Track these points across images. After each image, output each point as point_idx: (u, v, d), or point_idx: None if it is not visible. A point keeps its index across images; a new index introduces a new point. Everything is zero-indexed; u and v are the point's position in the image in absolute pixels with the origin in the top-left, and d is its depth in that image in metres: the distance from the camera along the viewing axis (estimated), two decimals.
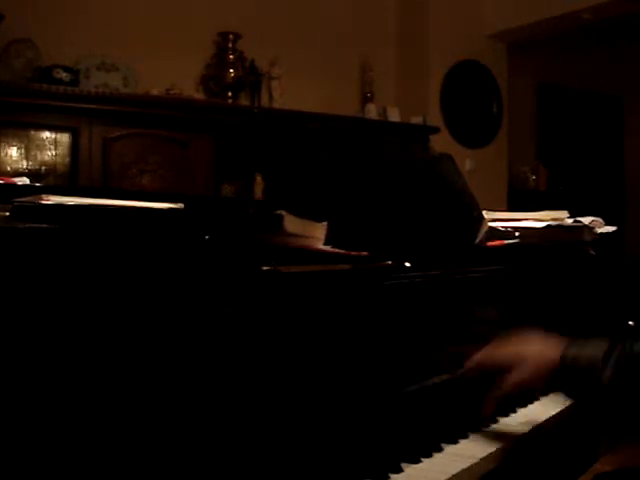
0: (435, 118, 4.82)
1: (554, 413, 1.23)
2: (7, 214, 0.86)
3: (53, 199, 0.91)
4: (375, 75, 4.81)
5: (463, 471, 0.96)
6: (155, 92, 3.81)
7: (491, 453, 1.03)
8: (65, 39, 3.70)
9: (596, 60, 6.09)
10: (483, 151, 5.09)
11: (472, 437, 1.09)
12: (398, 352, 1.14)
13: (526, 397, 1.29)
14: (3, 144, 3.38)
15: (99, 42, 3.78)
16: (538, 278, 1.58)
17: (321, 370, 0.99)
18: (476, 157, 4.96)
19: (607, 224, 1.76)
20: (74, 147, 3.50)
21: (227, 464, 0.82)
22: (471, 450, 1.03)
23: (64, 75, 3.54)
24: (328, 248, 1.07)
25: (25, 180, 1.37)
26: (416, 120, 4.71)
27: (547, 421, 1.20)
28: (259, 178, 3.79)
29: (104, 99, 3.56)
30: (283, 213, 1.00)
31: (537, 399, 1.31)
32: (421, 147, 4.06)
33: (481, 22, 5.00)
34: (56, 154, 3.49)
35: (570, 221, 1.68)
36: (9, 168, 3.36)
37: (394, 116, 4.71)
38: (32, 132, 3.44)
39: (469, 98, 5.05)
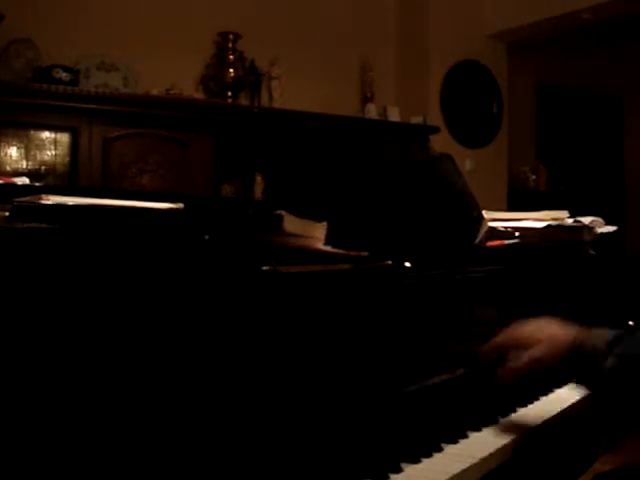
0: (435, 118, 4.82)
1: (554, 414, 1.23)
2: (7, 214, 0.86)
3: (53, 199, 0.90)
4: (375, 75, 4.81)
5: (463, 471, 0.96)
6: (155, 92, 3.81)
7: (491, 453, 1.03)
8: (65, 39, 3.70)
9: (596, 60, 6.09)
10: (483, 151, 5.09)
11: (472, 437, 1.09)
12: (398, 352, 1.14)
13: (527, 395, 1.29)
14: (3, 144, 3.38)
15: (99, 42, 3.78)
16: (538, 278, 1.58)
17: (321, 370, 0.99)
18: (476, 157, 4.96)
19: (607, 224, 1.76)
20: (74, 147, 3.50)
21: (227, 464, 0.82)
22: (471, 450, 1.03)
23: (64, 75, 3.54)
24: (328, 248, 1.07)
25: (25, 180, 1.37)
26: (416, 120, 4.71)
27: (547, 422, 1.20)
28: (259, 178, 3.79)
29: (104, 99, 3.56)
30: (283, 213, 1.00)
31: (537, 399, 1.31)
32: (421, 147, 4.06)
33: (481, 22, 5.00)
34: (56, 154, 3.49)
35: (570, 221, 1.68)
36: (9, 168, 3.36)
37: (394, 116, 4.71)
38: (32, 132, 3.44)
39: (469, 98, 5.05)
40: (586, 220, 1.67)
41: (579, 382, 1.15)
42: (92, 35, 3.79)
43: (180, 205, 1.06)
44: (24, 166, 3.41)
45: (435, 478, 0.93)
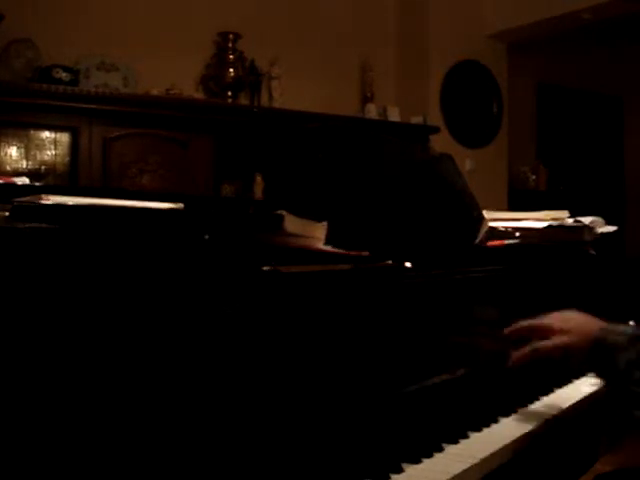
0: (435, 118, 4.82)
1: (555, 414, 1.23)
2: (7, 214, 0.86)
3: (53, 199, 0.90)
4: (375, 75, 4.81)
5: (464, 471, 0.96)
6: (155, 92, 3.81)
7: (492, 453, 1.03)
8: (65, 39, 3.70)
9: (596, 60, 6.09)
10: (483, 151, 5.09)
11: (473, 437, 1.09)
12: (398, 352, 1.14)
13: (527, 396, 1.29)
14: (3, 144, 3.38)
15: (99, 42, 3.78)
16: (538, 278, 1.58)
17: (321, 370, 0.99)
18: (476, 157, 4.96)
19: (607, 224, 1.76)
20: (74, 147, 3.50)
21: (227, 464, 0.82)
22: (472, 450, 1.03)
23: (64, 75, 3.54)
24: (328, 248, 1.07)
25: (25, 180, 1.37)
26: (416, 120, 4.71)
27: (548, 422, 1.20)
28: (259, 178, 3.79)
29: (104, 99, 3.56)
30: (283, 213, 1.00)
31: (537, 399, 1.31)
32: (421, 147, 4.06)
33: (481, 22, 5.00)
34: (56, 154, 3.49)
35: (570, 221, 1.68)
36: (9, 168, 3.36)
37: (394, 116, 4.71)
38: (32, 132, 3.44)
39: (469, 98, 5.05)
40: (586, 220, 1.67)
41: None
42: (92, 35, 3.79)
43: (180, 205, 1.06)
44: (24, 166, 3.41)
45: (436, 478, 0.92)
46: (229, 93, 4.17)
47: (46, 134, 3.47)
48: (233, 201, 3.32)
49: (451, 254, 1.36)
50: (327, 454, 0.93)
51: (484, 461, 1.01)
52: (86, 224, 0.87)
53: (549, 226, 1.61)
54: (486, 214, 1.54)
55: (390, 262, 1.18)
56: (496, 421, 1.17)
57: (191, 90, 4.11)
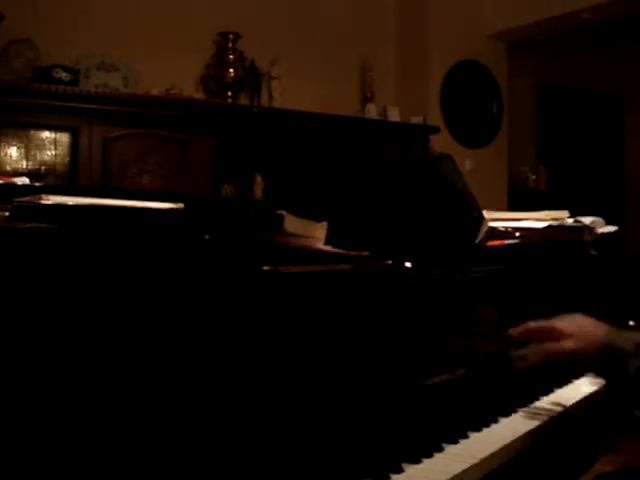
0: (435, 118, 4.82)
1: (555, 414, 1.23)
2: (7, 214, 0.86)
3: (53, 199, 0.90)
4: (375, 75, 4.81)
5: (464, 471, 0.96)
6: (155, 92, 3.80)
7: (492, 453, 1.03)
8: (65, 39, 3.70)
9: (596, 60, 6.09)
10: (483, 151, 5.09)
11: (473, 437, 1.09)
12: (398, 352, 1.14)
13: (527, 396, 1.29)
14: (3, 144, 3.38)
15: (99, 42, 3.78)
16: (538, 278, 1.58)
17: (321, 370, 0.99)
18: (476, 157, 4.96)
19: (607, 224, 1.76)
20: (74, 147, 3.50)
21: (227, 464, 0.82)
22: (472, 450, 1.03)
23: (64, 75, 3.54)
24: (328, 248, 1.07)
25: (25, 180, 1.37)
26: (416, 120, 4.71)
27: (548, 422, 1.20)
28: (259, 178, 3.79)
29: (104, 99, 3.56)
30: (284, 213, 1.00)
31: (537, 399, 1.31)
32: (421, 147, 4.06)
33: (481, 22, 5.00)
34: (56, 154, 3.49)
35: (570, 221, 1.68)
36: (9, 168, 3.36)
37: (394, 116, 4.71)
38: (32, 132, 3.44)
39: (469, 98, 5.05)
40: (586, 220, 1.67)
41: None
42: (92, 35, 3.79)
43: (180, 205, 1.06)
44: (24, 166, 3.41)
45: (436, 478, 0.93)
46: (229, 93, 4.17)
47: (46, 134, 3.47)
48: (233, 201, 3.32)
49: (451, 254, 1.36)
50: (327, 454, 0.93)
51: (484, 461, 1.01)
52: (86, 224, 0.87)
53: (549, 226, 1.61)
54: (486, 214, 1.54)
55: (390, 262, 1.18)
56: (496, 421, 1.17)
57: (191, 90, 4.11)
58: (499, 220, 1.63)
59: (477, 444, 1.06)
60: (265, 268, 0.93)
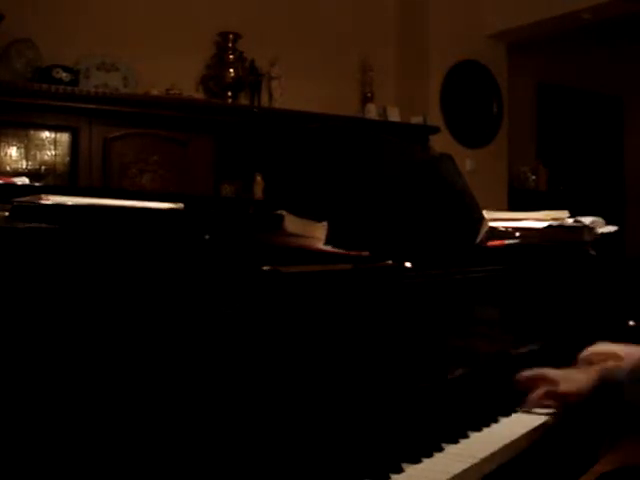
0: (435, 118, 4.82)
1: (556, 414, 1.23)
2: (7, 214, 0.86)
3: (53, 199, 0.90)
4: (375, 75, 4.81)
5: (464, 471, 0.96)
6: (155, 92, 3.80)
7: (492, 453, 1.03)
8: (65, 39, 3.70)
9: (596, 60, 6.09)
10: (483, 151, 5.09)
11: (473, 437, 1.09)
12: (398, 352, 1.14)
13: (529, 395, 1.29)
14: (3, 144, 3.38)
15: (99, 42, 3.78)
16: (538, 278, 1.58)
17: (321, 370, 0.99)
18: (476, 157, 4.96)
19: (607, 224, 1.76)
20: (74, 147, 3.50)
21: (227, 464, 0.82)
22: (472, 450, 1.03)
23: (64, 75, 3.54)
24: (328, 248, 1.07)
25: (25, 180, 1.37)
26: (416, 120, 4.71)
27: (549, 421, 1.20)
28: (259, 178, 3.79)
29: (104, 99, 3.56)
30: (283, 213, 1.00)
31: None
32: (421, 147, 4.06)
33: (481, 22, 5.00)
34: (56, 154, 3.49)
35: (570, 221, 1.67)
36: (9, 168, 3.36)
37: (394, 116, 4.71)
38: (32, 132, 3.44)
39: (469, 98, 5.05)
40: (586, 220, 1.67)
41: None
42: (92, 35, 3.79)
43: (180, 205, 1.06)
44: (24, 166, 3.41)
45: (436, 478, 0.92)
46: (229, 93, 4.17)
47: (46, 134, 3.47)
48: (233, 201, 3.33)
49: (451, 254, 1.35)
50: (327, 454, 0.93)
51: (484, 461, 1.01)
52: (86, 224, 0.87)
53: (549, 226, 1.61)
54: (486, 214, 1.54)
55: (390, 262, 1.17)
56: (496, 421, 1.17)
57: (191, 90, 4.11)
58: (499, 220, 1.63)
59: (477, 444, 1.06)
60: (265, 268, 0.93)
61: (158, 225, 0.95)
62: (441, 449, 1.02)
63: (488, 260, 1.44)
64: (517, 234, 1.58)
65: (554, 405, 1.22)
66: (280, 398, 0.92)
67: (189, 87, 4.10)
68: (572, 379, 1.22)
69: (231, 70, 4.15)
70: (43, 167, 3.46)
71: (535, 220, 1.64)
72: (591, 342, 1.37)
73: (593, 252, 1.71)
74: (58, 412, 0.69)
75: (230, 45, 4.17)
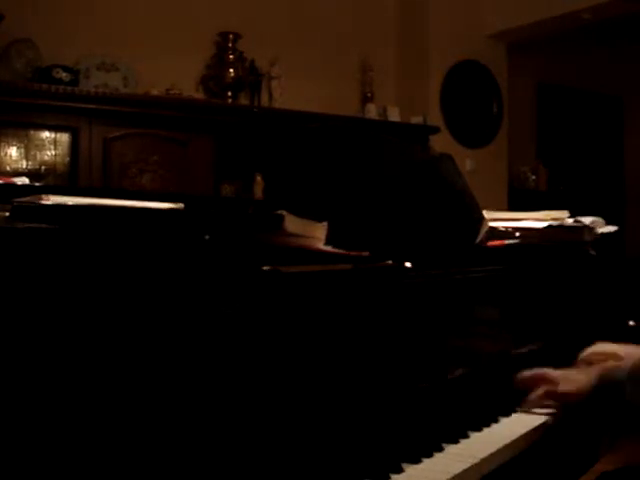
0: (435, 118, 4.82)
1: (556, 414, 1.23)
2: (7, 214, 0.86)
3: (53, 199, 0.90)
4: (375, 75, 4.81)
5: (464, 471, 0.95)
6: (155, 92, 3.81)
7: (492, 453, 1.03)
8: (65, 39, 3.70)
9: (596, 60, 6.09)
10: (483, 151, 5.09)
11: (473, 437, 1.09)
12: (398, 352, 1.14)
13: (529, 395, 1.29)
14: (3, 144, 3.38)
15: (99, 42, 3.78)
16: (538, 278, 1.58)
17: (321, 370, 0.99)
18: (476, 157, 4.96)
19: (607, 224, 1.76)
20: (74, 147, 3.50)
21: (227, 464, 0.82)
22: (472, 450, 1.03)
23: (64, 75, 3.54)
24: (329, 248, 1.07)
25: (25, 180, 1.37)
26: (416, 120, 4.71)
27: (548, 421, 1.20)
28: (259, 178, 3.79)
29: (104, 99, 3.56)
30: (283, 213, 1.00)
31: None
32: (421, 147, 4.06)
33: (481, 22, 5.00)
34: (56, 154, 3.49)
35: (570, 221, 1.67)
36: (9, 168, 3.36)
37: (394, 116, 4.71)
38: (32, 132, 3.44)
39: (469, 98, 5.05)
40: (586, 220, 1.67)
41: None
42: (92, 35, 3.79)
43: (180, 205, 1.06)
44: (24, 166, 3.41)
45: (436, 478, 0.92)
46: (229, 93, 4.17)
47: (46, 134, 3.47)
48: (233, 201, 3.32)
49: (451, 254, 1.36)
50: (327, 454, 0.93)
51: (484, 461, 1.01)
52: (86, 224, 0.87)
53: (549, 226, 1.61)
54: (486, 214, 1.54)
55: (390, 262, 1.17)
56: (496, 421, 1.17)
57: (191, 90, 4.11)
58: (499, 220, 1.63)
59: (477, 444, 1.06)
60: (265, 268, 0.93)
61: (158, 225, 0.95)
62: (441, 449, 1.02)
63: (488, 260, 1.44)
64: (517, 234, 1.58)
65: (554, 405, 1.22)
66: (280, 398, 0.92)
67: (189, 87, 4.10)
68: (572, 379, 1.22)
69: (231, 70, 4.15)
70: (43, 167, 3.46)
71: (535, 220, 1.64)
72: (591, 342, 1.37)
73: (593, 252, 1.71)
74: (58, 412, 0.69)
75: (230, 45, 4.17)
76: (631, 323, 1.71)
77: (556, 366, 1.28)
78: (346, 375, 1.03)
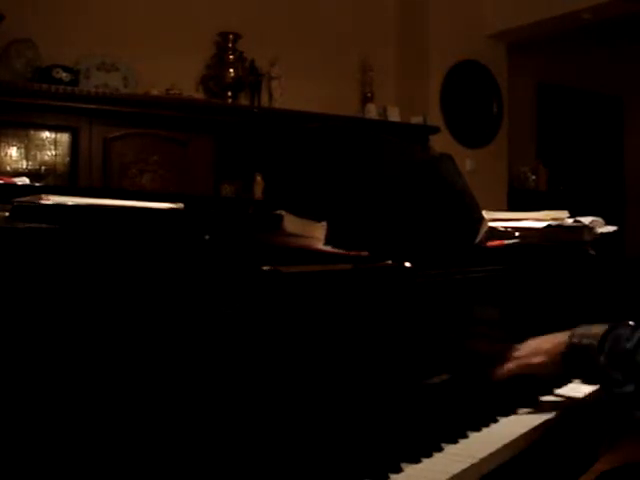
0: (435, 118, 4.82)
1: (555, 413, 1.23)
2: (7, 214, 0.86)
3: (53, 199, 0.90)
4: (375, 75, 4.81)
5: (463, 471, 0.96)
6: (155, 92, 3.81)
7: (491, 453, 1.03)
8: (65, 39, 3.70)
9: (596, 60, 6.10)
10: (483, 151, 5.09)
11: (472, 437, 1.09)
12: (398, 352, 1.14)
13: (527, 396, 1.29)
14: (3, 144, 3.38)
15: (99, 42, 3.78)
16: (538, 278, 1.58)
17: (321, 370, 0.99)
18: (476, 157, 4.96)
19: (607, 224, 1.76)
20: (74, 147, 3.50)
21: (227, 464, 0.82)
22: (471, 450, 1.03)
23: (64, 75, 3.54)
24: (328, 248, 1.07)
25: (25, 180, 1.37)
26: (416, 120, 4.71)
27: (548, 421, 1.20)
28: (259, 178, 3.79)
29: (104, 99, 3.56)
30: (283, 213, 1.00)
31: (537, 399, 1.31)
32: (421, 147, 4.06)
33: (481, 22, 5.00)
34: (56, 154, 3.49)
35: (570, 221, 1.67)
36: (9, 168, 3.36)
37: (394, 116, 4.71)
38: (32, 132, 3.44)
39: (469, 98, 5.05)
40: (586, 220, 1.67)
41: (583, 380, 1.21)
42: (92, 35, 3.79)
43: (180, 205, 1.06)
44: (24, 166, 3.42)
45: (435, 478, 0.93)
46: (229, 93, 4.17)
47: (46, 134, 3.47)
48: (233, 201, 3.32)
49: (451, 254, 1.36)
50: (327, 454, 0.93)
51: (483, 461, 1.01)
52: (86, 224, 0.87)
53: (549, 226, 1.61)
54: (486, 214, 1.54)
55: (390, 262, 1.18)
56: (496, 421, 1.17)
57: (191, 90, 4.11)
58: (499, 220, 1.63)
59: (477, 444, 1.06)
60: (265, 268, 0.94)
61: (158, 225, 0.95)
62: (440, 449, 1.02)
63: (488, 260, 1.44)
64: (517, 234, 1.58)
65: (526, 372, 1.24)
66: (280, 398, 0.92)
67: (189, 87, 4.10)
68: (540, 348, 1.24)
69: (231, 70, 4.15)
70: (43, 167, 3.46)
71: (535, 220, 1.64)
72: None
73: (593, 252, 1.71)
74: (58, 412, 0.69)
75: (230, 45, 4.17)
76: (631, 323, 1.71)
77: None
78: (346, 375, 1.03)
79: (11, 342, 0.67)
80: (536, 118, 6.02)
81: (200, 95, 4.18)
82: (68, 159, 3.51)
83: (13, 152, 3.41)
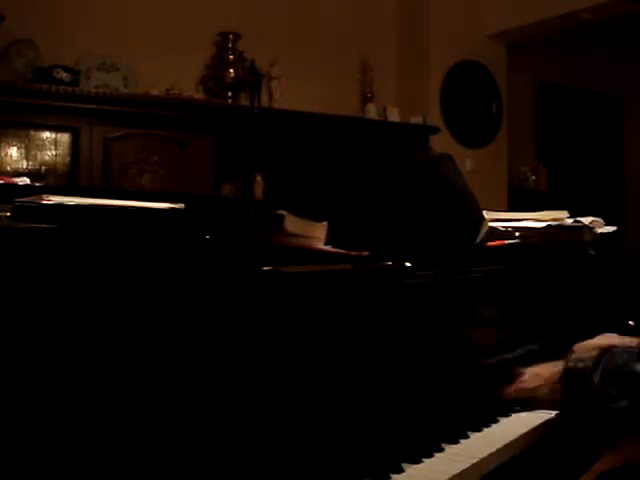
0: (435, 118, 4.82)
1: (555, 414, 1.23)
2: (7, 214, 0.86)
3: (53, 199, 0.90)
4: (375, 75, 4.81)
5: (464, 471, 0.96)
6: (155, 92, 3.81)
7: (492, 453, 1.03)
8: (65, 39, 3.70)
9: (596, 60, 6.10)
10: (483, 151, 5.09)
11: (473, 437, 1.09)
12: (398, 352, 1.14)
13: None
14: (3, 144, 3.38)
15: (99, 42, 3.79)
16: (538, 278, 1.58)
17: (321, 370, 0.99)
18: (476, 157, 4.96)
19: (607, 224, 1.76)
20: (74, 147, 3.51)
21: (227, 464, 0.82)
22: (472, 450, 1.03)
23: (64, 75, 3.55)
24: (329, 248, 1.07)
25: (25, 180, 1.37)
26: (416, 120, 4.71)
27: (548, 421, 1.20)
28: (259, 178, 3.79)
29: (104, 99, 3.56)
30: (283, 213, 1.00)
31: None
32: (421, 147, 4.06)
33: (481, 22, 5.00)
34: (56, 154, 3.49)
35: (570, 221, 1.68)
36: (9, 168, 3.37)
37: (394, 116, 4.71)
38: (32, 132, 3.44)
39: (469, 98, 5.05)
40: (586, 220, 1.67)
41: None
42: (92, 35, 3.79)
43: (180, 205, 1.06)
44: (24, 166, 3.42)
45: (436, 478, 0.93)
46: (229, 93, 4.17)
47: (46, 134, 3.48)
48: (233, 201, 3.33)
49: (451, 254, 1.36)
50: (327, 454, 0.93)
51: (484, 461, 1.01)
52: (86, 224, 0.87)
53: (549, 226, 1.61)
54: (486, 214, 1.54)
55: (390, 262, 1.18)
56: (496, 421, 1.18)
57: (191, 90, 4.11)
58: (499, 220, 1.63)
59: (477, 444, 1.06)
60: (265, 268, 0.94)
61: (158, 225, 0.95)
62: (441, 449, 1.02)
63: (488, 260, 1.44)
64: (517, 234, 1.58)
65: (526, 397, 1.26)
66: (280, 398, 0.92)
67: (189, 87, 4.10)
68: (540, 375, 1.27)
69: (231, 70, 4.16)
70: (43, 167, 3.47)
71: (535, 220, 1.64)
72: None
73: (593, 252, 1.71)
74: (59, 412, 0.69)
75: (230, 45, 4.17)
76: (631, 323, 1.72)
77: None
78: (346, 375, 1.03)
79: (12, 342, 0.67)
80: (536, 118, 6.03)
81: (200, 95, 4.18)
82: (68, 159, 3.51)
83: (13, 152, 3.41)
